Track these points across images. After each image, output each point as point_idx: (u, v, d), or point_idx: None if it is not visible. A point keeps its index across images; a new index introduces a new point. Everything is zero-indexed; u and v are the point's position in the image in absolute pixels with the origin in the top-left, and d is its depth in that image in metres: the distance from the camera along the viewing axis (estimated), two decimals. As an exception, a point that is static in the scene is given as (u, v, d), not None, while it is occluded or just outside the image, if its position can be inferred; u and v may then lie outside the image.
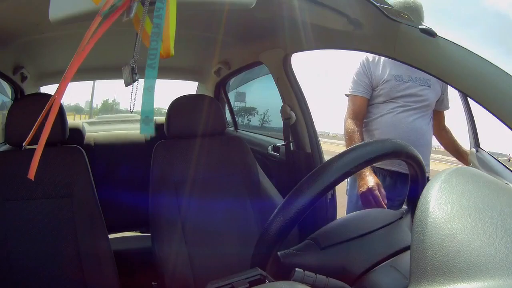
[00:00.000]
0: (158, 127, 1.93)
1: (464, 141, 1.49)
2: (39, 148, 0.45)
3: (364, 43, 0.96)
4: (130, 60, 0.47)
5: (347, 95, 1.46)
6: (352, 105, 1.42)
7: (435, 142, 1.54)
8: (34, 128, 0.50)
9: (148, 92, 0.43)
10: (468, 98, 1.33)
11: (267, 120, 2.25)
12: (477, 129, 1.44)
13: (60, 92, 0.47)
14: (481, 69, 0.70)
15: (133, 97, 0.48)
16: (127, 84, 0.47)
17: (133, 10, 0.45)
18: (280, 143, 1.66)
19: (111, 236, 1.20)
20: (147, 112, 0.42)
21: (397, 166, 1.38)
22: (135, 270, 1.28)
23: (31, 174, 0.45)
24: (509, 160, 1.41)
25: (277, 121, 1.85)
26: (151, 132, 0.42)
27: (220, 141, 1.32)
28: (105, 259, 1.10)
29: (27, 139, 0.51)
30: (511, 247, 0.31)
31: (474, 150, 1.42)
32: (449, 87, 1.38)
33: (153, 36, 0.44)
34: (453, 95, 1.50)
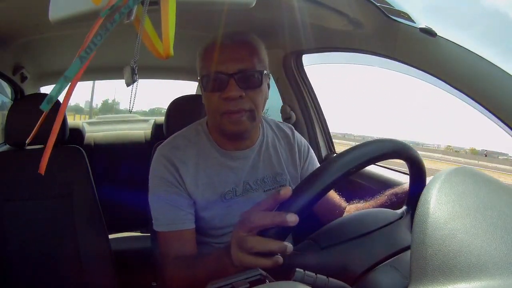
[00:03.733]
0: (158, 127, 1.93)
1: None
2: (50, 144, 0.44)
3: (364, 43, 0.96)
4: (131, 61, 0.47)
5: None
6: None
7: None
8: (36, 128, 0.50)
9: (63, 81, 0.43)
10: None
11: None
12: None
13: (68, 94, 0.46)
14: (481, 68, 0.70)
15: (132, 98, 0.47)
16: (128, 85, 0.47)
17: (133, 12, 0.45)
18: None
19: (111, 236, 1.20)
20: (52, 94, 0.42)
21: None
22: (135, 270, 1.27)
23: (41, 169, 0.45)
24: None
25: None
26: (46, 109, 0.42)
27: None
28: (105, 259, 1.10)
29: (30, 137, 0.50)
30: (511, 246, 0.31)
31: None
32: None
33: (100, 30, 0.43)
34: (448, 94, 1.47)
